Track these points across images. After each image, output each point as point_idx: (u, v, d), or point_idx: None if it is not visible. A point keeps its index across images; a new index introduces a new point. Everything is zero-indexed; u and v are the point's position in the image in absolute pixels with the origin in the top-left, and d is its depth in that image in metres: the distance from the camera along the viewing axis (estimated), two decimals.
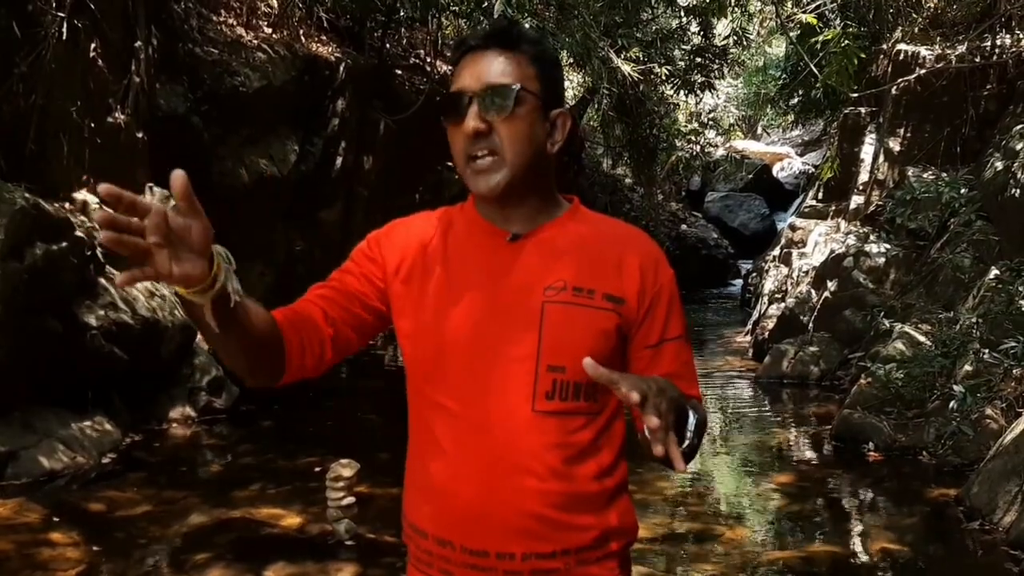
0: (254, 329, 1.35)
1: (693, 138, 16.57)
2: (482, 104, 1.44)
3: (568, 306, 1.47)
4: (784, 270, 10.42)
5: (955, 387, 5.65)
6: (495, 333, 1.47)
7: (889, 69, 9.28)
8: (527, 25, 8.34)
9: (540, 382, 1.45)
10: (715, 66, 13.82)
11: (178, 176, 1.12)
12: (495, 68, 1.46)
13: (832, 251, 8.99)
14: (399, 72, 10.10)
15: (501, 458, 1.45)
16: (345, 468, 4.31)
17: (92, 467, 5.34)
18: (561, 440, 1.46)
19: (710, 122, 18.05)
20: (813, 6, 9.43)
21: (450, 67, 1.55)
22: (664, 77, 12.93)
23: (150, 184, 1.17)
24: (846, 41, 6.91)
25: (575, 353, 1.43)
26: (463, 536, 1.47)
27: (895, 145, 9.12)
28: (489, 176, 1.46)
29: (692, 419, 1.38)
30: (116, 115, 6.53)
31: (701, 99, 15.25)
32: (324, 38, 9.04)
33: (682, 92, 13.92)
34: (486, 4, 8.51)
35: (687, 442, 1.36)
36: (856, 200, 9.65)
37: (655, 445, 1.24)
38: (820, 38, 7.30)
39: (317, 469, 5.26)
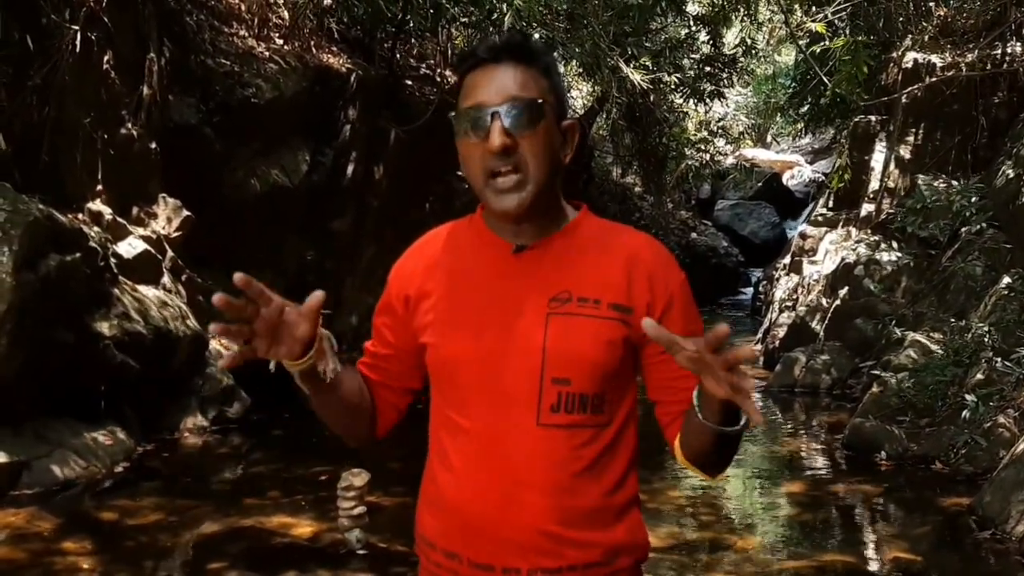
0: (347, 400, 1.54)
1: (703, 147, 16.55)
2: (506, 119, 1.40)
3: (573, 317, 1.44)
4: (795, 278, 10.40)
5: (967, 396, 5.62)
6: (500, 346, 1.45)
7: (899, 77, 9.26)
8: (536, 36, 8.36)
9: (545, 395, 1.43)
10: (724, 75, 13.82)
11: (316, 297, 1.38)
12: (516, 81, 1.42)
13: (843, 259, 8.97)
14: (409, 82, 10.14)
15: (506, 473, 1.44)
16: (356, 477, 4.31)
17: (105, 476, 5.36)
18: (568, 454, 1.43)
19: (719, 131, 18.01)
20: (823, 15, 9.41)
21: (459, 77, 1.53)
22: (673, 86, 12.93)
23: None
24: (856, 49, 6.90)
25: (580, 365, 1.43)
26: (470, 550, 1.47)
27: (905, 153, 9.10)
28: (514, 195, 1.43)
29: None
30: (129, 127, 6.57)
31: (710, 108, 15.26)
32: (335, 49, 9.08)
33: (691, 101, 13.93)
34: (496, 15, 8.54)
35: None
36: (867, 208, 9.63)
37: (736, 396, 1.26)
38: (829, 45, 7.28)
39: (323, 478, 5.28)
